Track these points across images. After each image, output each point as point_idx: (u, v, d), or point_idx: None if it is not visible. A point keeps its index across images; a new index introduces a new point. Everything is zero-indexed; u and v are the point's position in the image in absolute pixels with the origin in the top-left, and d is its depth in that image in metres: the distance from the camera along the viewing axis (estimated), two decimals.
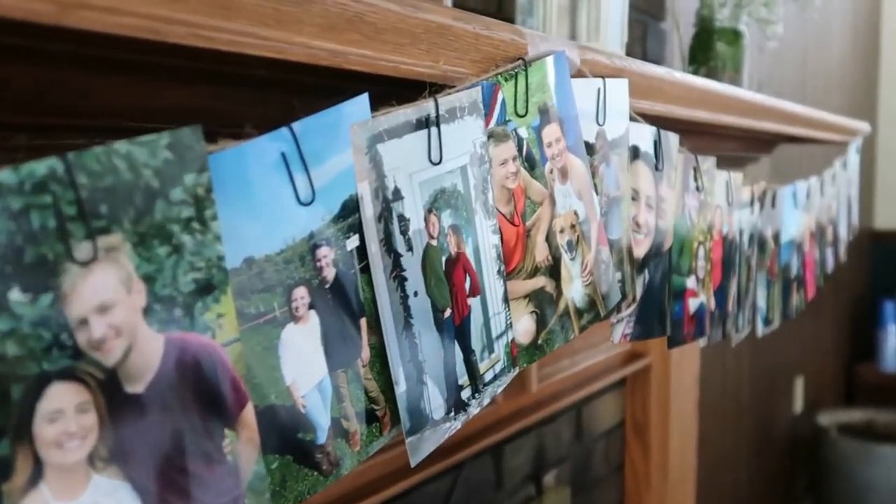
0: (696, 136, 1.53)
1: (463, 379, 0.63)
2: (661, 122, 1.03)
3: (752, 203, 1.26)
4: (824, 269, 1.69)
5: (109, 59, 0.55)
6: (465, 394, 0.64)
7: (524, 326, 0.71)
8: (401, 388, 0.58)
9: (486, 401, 0.66)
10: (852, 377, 4.07)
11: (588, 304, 0.76)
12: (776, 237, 1.38)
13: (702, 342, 1.11)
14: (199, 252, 0.43)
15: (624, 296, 0.86)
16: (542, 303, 0.72)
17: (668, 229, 0.98)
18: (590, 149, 0.80)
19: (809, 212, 1.55)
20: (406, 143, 0.58)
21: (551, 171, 0.73)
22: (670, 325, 1.00)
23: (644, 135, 0.92)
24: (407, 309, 0.58)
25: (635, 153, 0.91)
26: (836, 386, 4.00)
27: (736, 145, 1.79)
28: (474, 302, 0.64)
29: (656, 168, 0.94)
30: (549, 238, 0.72)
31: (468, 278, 0.64)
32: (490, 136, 0.67)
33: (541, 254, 0.72)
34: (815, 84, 3.51)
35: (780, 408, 3.39)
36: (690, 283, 1.05)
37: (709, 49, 1.64)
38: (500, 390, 0.68)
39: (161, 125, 0.54)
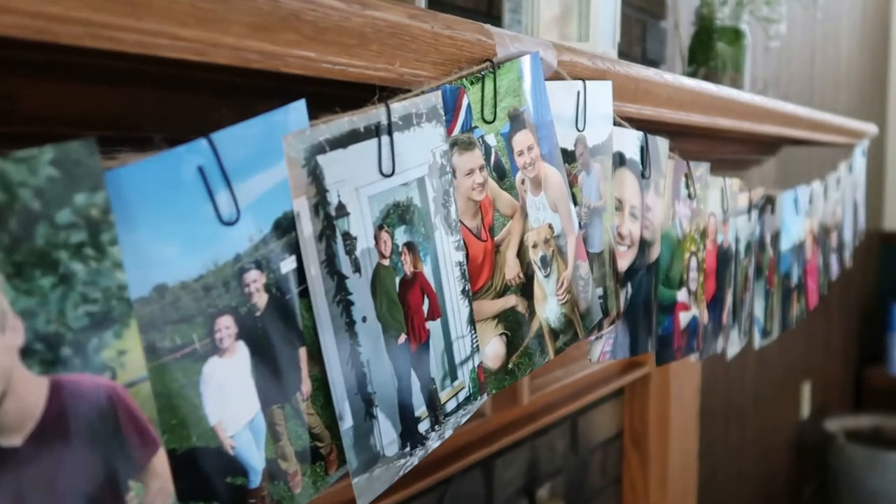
0: (694, 139, 1.47)
1: (420, 410, 0.58)
2: (651, 127, 0.97)
3: (749, 210, 1.20)
4: (828, 275, 1.62)
5: (36, 62, 0.50)
6: (424, 426, 0.58)
7: (493, 350, 0.65)
8: (346, 424, 0.52)
9: (448, 433, 0.61)
10: (861, 381, 4.00)
11: (564, 324, 0.70)
12: (776, 245, 1.32)
13: (694, 357, 1.06)
14: (93, 281, 0.38)
15: (605, 313, 0.81)
16: (513, 324, 0.66)
17: (655, 240, 0.92)
18: (568, 156, 0.75)
19: (812, 217, 1.49)
20: (352, 153, 0.52)
21: (523, 182, 0.67)
22: (657, 341, 0.95)
23: (630, 140, 0.87)
24: (353, 336, 0.52)
25: (620, 160, 0.85)
26: (844, 390, 3.93)
27: (738, 148, 1.73)
28: (434, 325, 0.59)
29: (643, 175, 0.89)
30: (521, 254, 0.67)
31: (426, 300, 0.58)
32: (454, 144, 0.61)
33: (511, 271, 0.66)
34: (824, 84, 3.44)
35: (786, 413, 3.32)
36: (681, 295, 0.99)
37: (709, 49, 1.58)
38: (464, 420, 0.62)
39: (96, 132, 0.49)
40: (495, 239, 0.65)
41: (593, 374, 1.69)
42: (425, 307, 0.58)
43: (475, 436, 1.32)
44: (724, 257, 1.12)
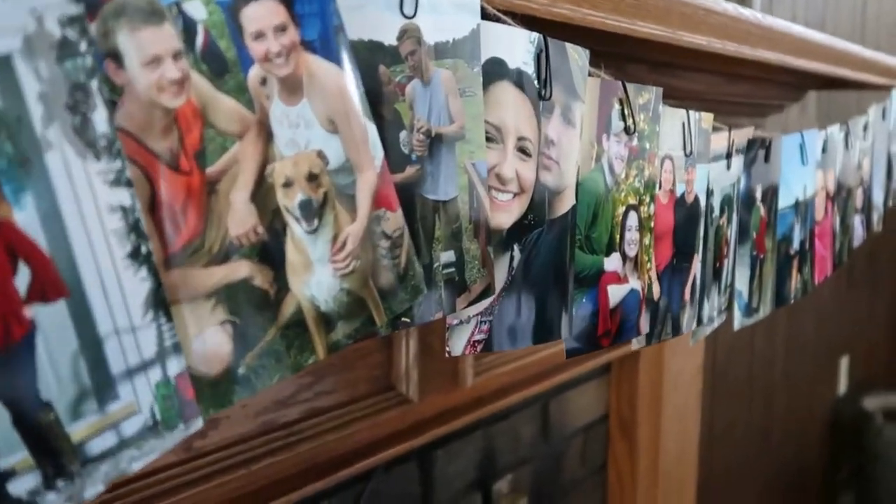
0: (686, 73, 1.19)
1: (14, 460, 0.34)
2: (588, 42, 0.70)
3: (728, 155, 0.93)
4: (849, 242, 1.33)
5: None
6: (24, 485, 0.34)
7: (210, 346, 0.41)
8: None
9: (99, 488, 0.37)
10: None
11: (347, 305, 0.45)
12: (770, 201, 1.04)
13: (636, 344, 0.80)
14: None
15: (461, 287, 0.55)
16: (244, 306, 0.42)
17: (565, 187, 0.66)
18: (387, 54, 0.49)
19: (827, 169, 1.20)
20: None
21: (263, 83, 0.42)
22: (570, 325, 0.69)
23: (517, 44, 0.60)
24: None
25: (499, 71, 0.59)
26: (888, 365, 3.58)
27: (746, 87, 1.43)
28: (47, 312, 0.35)
29: (540, 96, 0.62)
30: (262, 196, 0.42)
31: (21, 268, 0.34)
32: (118, 13, 0.37)
33: (241, 223, 0.41)
34: (876, 30, 3.05)
35: (820, 391, 3.01)
36: (611, 263, 0.73)
37: None
38: (137, 466, 0.38)
39: None
40: (208, 171, 0.40)
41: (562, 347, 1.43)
42: (21, 280, 0.34)
43: (396, 426, 1.09)
44: (686, 214, 0.85)
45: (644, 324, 0.79)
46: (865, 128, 1.34)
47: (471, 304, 0.57)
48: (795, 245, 1.10)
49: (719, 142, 0.90)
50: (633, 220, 0.75)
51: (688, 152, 0.83)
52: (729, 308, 0.98)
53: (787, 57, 1.11)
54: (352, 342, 0.45)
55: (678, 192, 0.83)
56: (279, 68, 0.42)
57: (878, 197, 1.45)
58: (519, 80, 0.60)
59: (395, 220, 0.47)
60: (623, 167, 0.73)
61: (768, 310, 1.06)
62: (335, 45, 0.44)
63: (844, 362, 3.12)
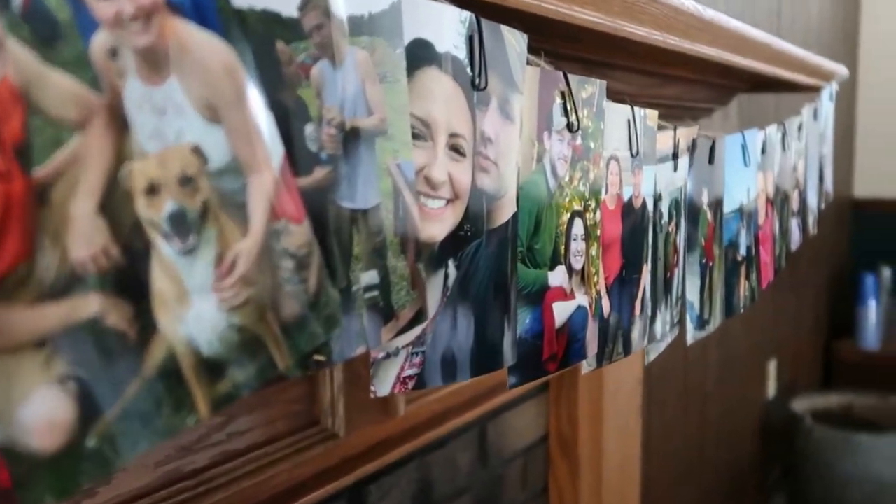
0: (617, 72, 1.12)
1: None
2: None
3: (674, 155, 0.85)
4: (787, 246, 1.28)
5: None
6: None
7: (43, 413, 0.30)
8: None
9: None
10: (830, 356, 3.69)
11: (239, 346, 0.35)
12: (716, 205, 0.97)
13: (586, 367, 0.71)
14: None
15: (391, 311, 0.45)
16: (93, 354, 0.31)
17: (506, 191, 0.57)
18: (288, 28, 0.39)
19: (766, 171, 1.14)
20: None
21: (114, 56, 0.31)
22: (514, 351, 0.59)
23: (445, 23, 0.51)
24: None
25: (425, 55, 0.49)
26: (813, 367, 3.62)
27: (678, 90, 1.38)
28: None
29: (474, 85, 0.53)
30: (114, 207, 0.31)
31: None
32: None
33: (87, 242, 0.30)
34: (791, 26, 3.08)
35: (751, 394, 3.00)
36: (556, 277, 0.64)
37: None
38: None
39: None
40: (35, 173, 0.29)
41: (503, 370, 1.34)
42: None
43: (322, 465, 0.97)
44: (634, 220, 0.77)
45: (593, 344, 0.70)
46: (800, 128, 1.30)
47: (399, 333, 0.46)
48: (742, 251, 1.04)
49: (664, 141, 0.83)
50: (578, 228, 0.66)
51: (634, 152, 0.75)
52: (681, 321, 0.90)
53: (726, 53, 1.05)
54: (247, 393, 0.34)
55: (625, 197, 0.74)
56: (136, 36, 0.31)
57: (812, 200, 1.41)
58: (449, 66, 0.50)
59: (300, 234, 0.37)
60: (567, 169, 0.64)
61: (718, 321, 1.00)
62: (214, 12, 0.34)
63: (773, 366, 3.13)
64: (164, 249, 0.32)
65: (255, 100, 0.36)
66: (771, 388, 3.15)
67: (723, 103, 1.68)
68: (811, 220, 1.40)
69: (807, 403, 3.14)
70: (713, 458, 2.65)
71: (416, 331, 0.49)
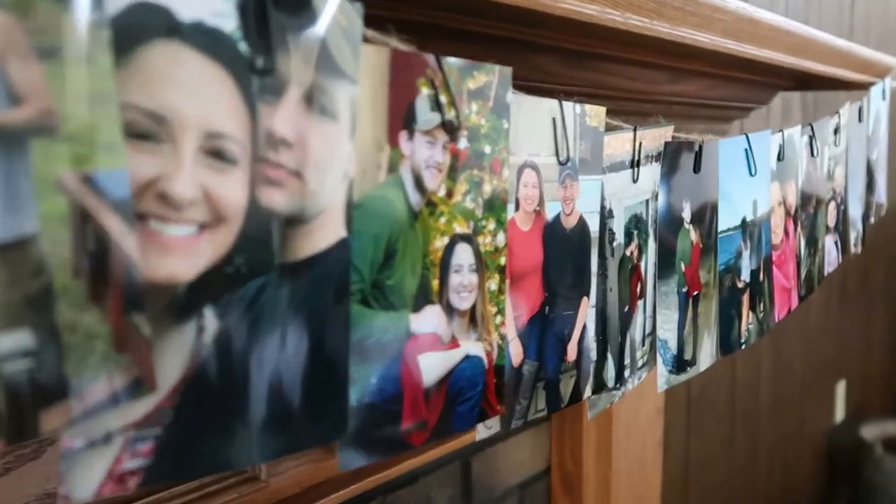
0: (627, 67, 0.94)
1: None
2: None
3: (634, 163, 0.68)
4: (819, 268, 1.08)
5: None
6: None
7: None
8: None
9: None
10: None
11: None
12: (706, 222, 0.79)
13: (481, 433, 0.55)
14: None
15: (63, 385, 0.31)
16: None
17: (320, 210, 0.42)
18: None
19: (787, 182, 0.95)
20: None
21: None
22: (344, 422, 0.44)
23: None
24: None
25: (155, 23, 0.35)
26: (885, 390, 3.30)
27: (705, 83, 1.19)
28: None
29: (254, 69, 0.38)
30: None
31: None
32: None
33: None
34: (864, 31, 2.81)
35: (814, 418, 2.74)
36: (425, 321, 0.48)
37: None
38: None
39: None
40: None
41: None
42: None
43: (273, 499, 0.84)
44: (566, 242, 0.60)
45: (495, 401, 0.54)
46: (836, 131, 1.10)
47: (89, 415, 0.32)
48: (745, 276, 0.86)
49: (619, 146, 0.66)
50: (463, 256, 0.51)
51: (562, 159, 0.59)
52: (651, 363, 0.73)
53: (729, 41, 0.86)
54: None
55: (549, 215, 0.58)
56: None
57: (855, 213, 1.20)
58: (202, 40, 0.36)
59: None
60: (441, 180, 0.49)
61: (709, 361, 0.82)
62: None
63: (841, 387, 2.86)
64: None
65: None
66: (839, 412, 2.87)
67: (762, 102, 1.47)
68: (853, 236, 1.19)
69: (878, 430, 2.85)
70: (765, 489, 2.41)
71: (139, 409, 0.35)
